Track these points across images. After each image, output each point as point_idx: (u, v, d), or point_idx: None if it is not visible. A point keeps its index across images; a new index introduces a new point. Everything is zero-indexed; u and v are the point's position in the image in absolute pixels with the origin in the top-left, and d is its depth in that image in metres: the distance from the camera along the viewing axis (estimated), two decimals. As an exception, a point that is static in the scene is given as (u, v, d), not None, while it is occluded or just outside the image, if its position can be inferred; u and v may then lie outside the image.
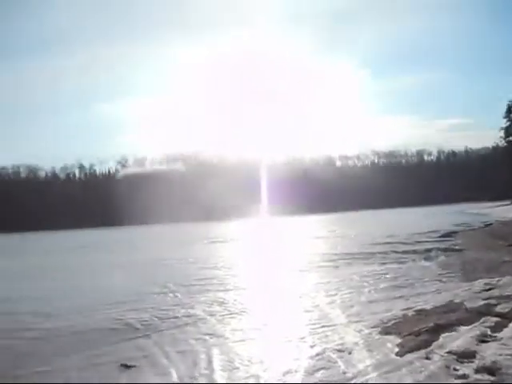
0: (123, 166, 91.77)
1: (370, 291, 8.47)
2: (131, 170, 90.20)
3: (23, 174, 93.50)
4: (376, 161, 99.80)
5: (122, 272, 13.74)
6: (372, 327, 5.81)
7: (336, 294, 8.28)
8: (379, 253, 14.36)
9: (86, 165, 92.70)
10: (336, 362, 4.59)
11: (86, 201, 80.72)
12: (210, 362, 4.95)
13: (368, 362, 4.50)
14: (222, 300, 8.42)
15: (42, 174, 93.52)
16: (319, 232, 27.40)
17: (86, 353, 5.68)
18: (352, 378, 4.13)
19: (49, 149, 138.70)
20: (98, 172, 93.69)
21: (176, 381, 4.50)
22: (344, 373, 4.29)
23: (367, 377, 4.12)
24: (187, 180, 78.93)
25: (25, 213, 79.40)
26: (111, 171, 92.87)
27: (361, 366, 4.38)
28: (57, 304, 9.03)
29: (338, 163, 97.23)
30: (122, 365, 5.05)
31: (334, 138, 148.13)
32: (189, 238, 30.12)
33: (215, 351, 5.32)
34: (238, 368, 4.71)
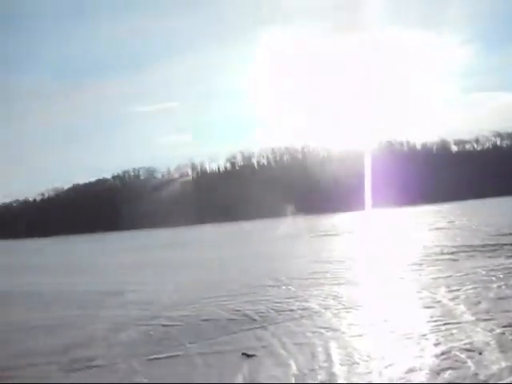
0: (232, 162, 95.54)
1: (499, 287, 7.76)
2: (239, 165, 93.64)
3: (142, 176, 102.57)
4: (498, 143, 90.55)
5: (234, 266, 14.32)
6: (504, 326, 5.32)
7: (459, 290, 7.73)
8: (506, 245, 13.07)
9: (197, 163, 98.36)
10: (465, 363, 4.29)
11: (197, 198, 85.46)
12: (328, 355, 4.95)
13: (503, 364, 4.13)
14: (336, 294, 8.36)
15: (159, 175, 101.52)
16: (436, 223, 25.75)
17: (209, 341, 6.06)
18: (485, 381, 3.83)
19: (164, 151, 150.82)
20: (208, 170, 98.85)
21: (295, 372, 4.58)
22: (475, 374, 3.99)
23: (503, 381, 3.78)
24: (291, 173, 79.54)
25: (143, 211, 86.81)
26: (220, 168, 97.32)
27: (494, 368, 4.04)
28: (179, 295, 9.69)
29: (454, 148, 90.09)
30: (244, 354, 5.28)
31: (439, 121, 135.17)
32: (296, 231, 30.33)
33: (333, 345, 5.30)
34: (357, 363, 4.64)
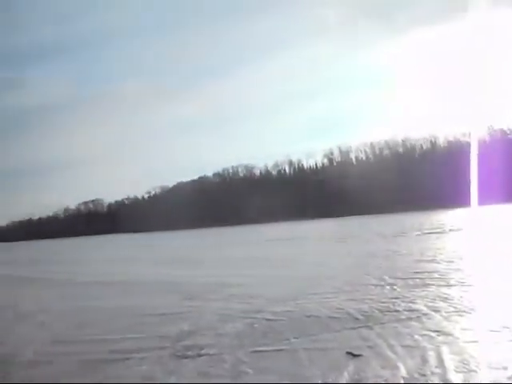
0: (329, 158, 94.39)
1: None
2: (336, 161, 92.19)
3: (241, 174, 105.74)
4: None
5: (337, 263, 14.13)
6: None
7: None
8: None
9: (295, 160, 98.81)
10: None
11: (295, 194, 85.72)
12: (440, 360, 4.66)
13: None
14: (445, 296, 7.85)
15: (257, 172, 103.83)
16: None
17: (313, 337, 6.05)
18: None
19: (263, 148, 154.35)
20: (305, 166, 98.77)
21: (405, 375, 4.39)
22: None
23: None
24: (391, 168, 76.26)
25: (243, 208, 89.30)
26: (318, 165, 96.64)
27: None
28: (282, 291, 9.81)
29: None
30: (348, 353, 5.19)
31: None
32: (399, 228, 29.07)
33: (445, 350, 4.98)
34: (474, 371, 4.30)
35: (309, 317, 7.21)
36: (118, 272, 16.16)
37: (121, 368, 5.55)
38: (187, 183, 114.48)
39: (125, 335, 7.01)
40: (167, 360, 5.71)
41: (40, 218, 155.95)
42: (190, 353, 5.90)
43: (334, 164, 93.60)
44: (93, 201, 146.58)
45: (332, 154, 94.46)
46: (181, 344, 6.31)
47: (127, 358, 5.86)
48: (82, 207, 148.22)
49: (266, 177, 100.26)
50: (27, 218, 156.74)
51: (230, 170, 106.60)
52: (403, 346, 5.22)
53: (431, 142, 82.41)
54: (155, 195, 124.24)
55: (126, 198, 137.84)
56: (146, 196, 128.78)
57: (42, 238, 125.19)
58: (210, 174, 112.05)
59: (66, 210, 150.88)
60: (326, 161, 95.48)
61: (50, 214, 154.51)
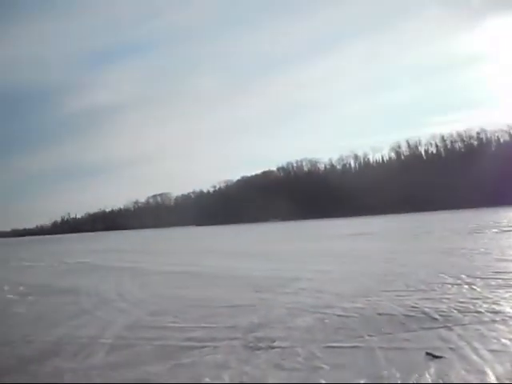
0: (396, 152, 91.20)
1: None
2: (404, 155, 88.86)
3: (305, 168, 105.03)
4: None
5: (410, 259, 13.61)
6: None
7: None
8: None
9: (360, 154, 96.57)
10: None
11: (360, 189, 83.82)
12: (534, 368, 4.33)
13: None
14: (536, 298, 7.30)
15: (322, 166, 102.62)
16: None
17: (389, 336, 5.86)
18: None
19: (327, 142, 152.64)
20: (371, 160, 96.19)
21: (494, 381, 4.12)
22: None
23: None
24: (463, 162, 72.27)
25: (307, 202, 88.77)
26: (384, 158, 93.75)
27: None
28: (354, 287, 9.61)
29: None
30: (428, 353, 4.97)
31: None
32: (473, 225, 27.48)
33: (538, 357, 4.62)
34: None
35: (382, 315, 6.99)
36: (192, 263, 16.67)
37: (196, 355, 5.70)
38: (251, 177, 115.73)
39: (199, 324, 7.20)
40: (240, 350, 5.79)
41: (112, 211, 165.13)
42: (261, 344, 5.95)
43: (402, 158, 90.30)
44: (161, 194, 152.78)
45: (399, 147, 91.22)
46: (252, 335, 6.38)
47: (202, 347, 6.01)
48: (151, 200, 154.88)
49: (330, 171, 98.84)
50: (101, 210, 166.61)
51: (294, 164, 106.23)
52: (489, 351, 4.91)
53: (510, 134, 77.04)
54: (220, 189, 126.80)
55: (192, 192, 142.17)
56: (210, 190, 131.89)
57: (114, 230, 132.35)
58: (274, 167, 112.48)
59: (136, 202, 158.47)
60: (393, 154, 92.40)
61: (122, 206, 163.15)
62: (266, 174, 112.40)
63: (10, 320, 8.61)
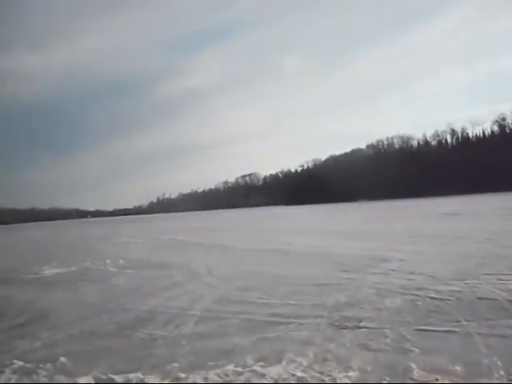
0: (501, 125, 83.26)
1: None
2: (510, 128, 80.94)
3: (397, 145, 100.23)
4: None
5: (508, 241, 12.42)
6: None
7: None
8: None
9: (458, 129, 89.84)
10: None
11: (457, 166, 78.16)
12: None
13: None
14: None
15: (415, 142, 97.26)
16: None
17: (489, 322, 5.37)
18: None
19: (420, 117, 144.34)
20: (470, 135, 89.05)
21: None
22: None
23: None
24: None
25: (398, 181, 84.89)
26: (486, 132, 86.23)
27: None
28: (447, 269, 9.00)
29: None
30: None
31: None
32: None
33: None
34: None
35: (482, 299, 6.43)
36: (279, 242, 16.79)
37: (281, 331, 5.70)
38: (340, 156, 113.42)
39: (284, 301, 7.20)
40: (325, 328, 5.68)
41: (203, 191, 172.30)
42: (348, 324, 5.78)
43: (507, 131, 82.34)
44: (249, 174, 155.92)
45: (504, 119, 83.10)
46: (338, 314, 6.22)
47: (287, 323, 6.00)
48: (240, 180, 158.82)
49: (424, 148, 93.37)
50: (193, 190, 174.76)
51: (385, 142, 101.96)
52: None
53: None
54: (308, 168, 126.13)
55: (280, 172, 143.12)
56: (299, 169, 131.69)
57: (205, 210, 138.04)
58: (363, 145, 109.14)
59: (226, 183, 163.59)
60: (496, 128, 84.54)
61: (212, 187, 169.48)
62: (355, 152, 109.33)
63: (110, 290, 9.32)
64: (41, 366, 4.98)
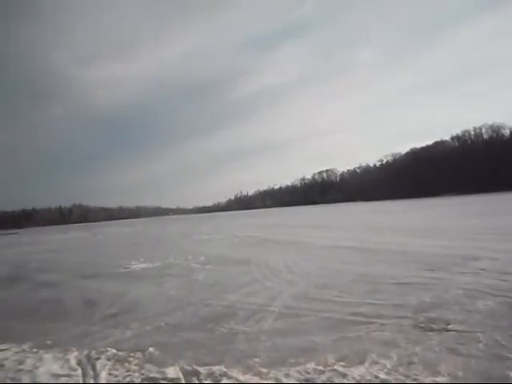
0: None
1: None
2: None
3: (485, 135, 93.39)
4: None
5: None
6: None
7: None
8: None
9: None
10: None
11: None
12: None
13: None
14: None
15: (506, 132, 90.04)
16: None
17: None
18: None
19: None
20: None
21: None
22: None
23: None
24: None
25: (487, 173, 79.18)
26: None
27: None
28: None
29: None
30: None
31: None
32: None
33: None
34: None
35: None
36: (357, 239, 16.42)
37: (362, 330, 5.56)
38: (421, 149, 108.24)
39: (364, 300, 7.02)
40: (410, 330, 5.45)
41: (280, 188, 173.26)
42: (434, 326, 5.50)
43: None
44: (326, 170, 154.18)
45: None
46: (424, 315, 5.94)
47: (368, 322, 5.84)
48: (317, 177, 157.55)
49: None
50: (270, 187, 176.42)
51: (472, 132, 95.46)
52: None
53: None
54: (387, 163, 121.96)
55: (358, 167, 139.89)
56: (377, 164, 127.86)
57: (282, 206, 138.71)
58: (447, 137, 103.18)
59: (303, 179, 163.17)
60: None
61: (289, 183, 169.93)
62: (438, 145, 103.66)
63: (192, 285, 9.68)
64: (132, 354, 5.31)
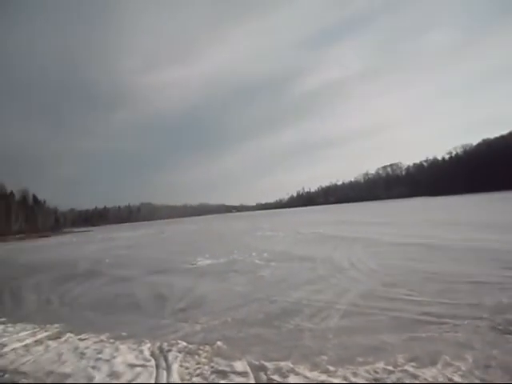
0: None
1: None
2: None
3: None
4: None
5: None
6: None
7: None
8: None
9: None
10: None
11: None
12: None
13: None
14: None
15: None
16: None
17: None
18: None
19: None
20: None
21: None
22: None
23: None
24: None
25: None
26: None
27: None
28: None
29: None
30: None
31: None
32: None
33: None
34: None
35: None
36: (426, 235, 15.81)
37: (434, 331, 5.36)
38: (495, 140, 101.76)
39: (436, 299, 6.75)
40: (486, 331, 5.17)
41: (343, 184, 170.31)
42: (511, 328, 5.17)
43: None
44: (391, 165, 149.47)
45: None
46: (501, 317, 5.60)
47: (440, 323, 5.62)
48: (381, 172, 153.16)
49: None
50: (332, 183, 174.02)
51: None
52: None
53: None
54: (457, 155, 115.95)
55: (425, 160, 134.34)
56: (446, 157, 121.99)
57: (345, 202, 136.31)
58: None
59: (366, 174, 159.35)
60: None
61: (352, 179, 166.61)
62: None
63: (257, 281, 9.79)
64: (201, 347, 5.48)
